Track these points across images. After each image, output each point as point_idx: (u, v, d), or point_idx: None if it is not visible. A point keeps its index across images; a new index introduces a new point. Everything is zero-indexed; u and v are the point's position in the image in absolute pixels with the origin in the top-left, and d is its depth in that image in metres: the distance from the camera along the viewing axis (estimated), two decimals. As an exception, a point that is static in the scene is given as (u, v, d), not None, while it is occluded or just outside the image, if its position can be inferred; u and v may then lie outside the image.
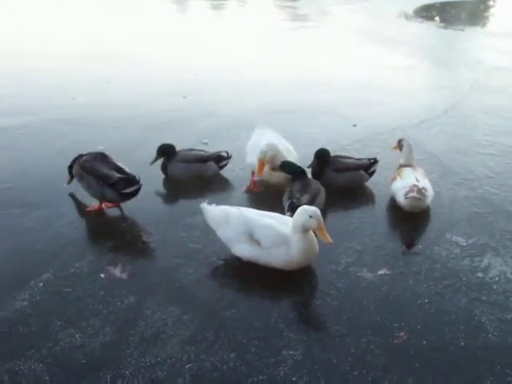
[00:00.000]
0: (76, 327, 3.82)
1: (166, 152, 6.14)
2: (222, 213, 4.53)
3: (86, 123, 6.13)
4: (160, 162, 6.18)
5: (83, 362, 3.54)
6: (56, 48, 13.18)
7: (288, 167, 5.49)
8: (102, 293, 4.20)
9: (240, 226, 4.36)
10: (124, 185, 5.11)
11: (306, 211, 4.17)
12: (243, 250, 4.39)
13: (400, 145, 5.92)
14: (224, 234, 4.50)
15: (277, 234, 4.27)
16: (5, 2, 20.24)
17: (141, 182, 5.16)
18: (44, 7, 19.99)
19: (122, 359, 3.55)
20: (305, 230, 4.19)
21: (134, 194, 5.20)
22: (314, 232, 4.28)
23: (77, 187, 5.53)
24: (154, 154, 6.18)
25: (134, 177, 5.14)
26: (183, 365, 3.52)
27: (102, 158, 5.33)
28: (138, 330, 3.81)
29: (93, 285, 4.29)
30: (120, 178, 5.10)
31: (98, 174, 5.16)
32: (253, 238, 4.30)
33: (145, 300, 4.11)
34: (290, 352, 3.63)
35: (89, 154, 5.43)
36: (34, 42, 13.90)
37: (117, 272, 4.46)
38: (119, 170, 5.21)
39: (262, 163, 5.56)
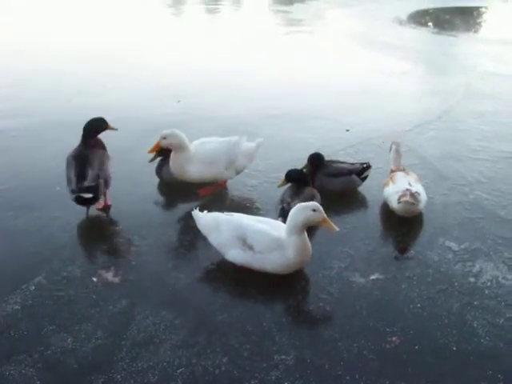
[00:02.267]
0: (68, 331, 3.81)
1: (163, 151, 5.92)
2: (212, 219, 4.53)
3: (80, 126, 6.11)
4: (155, 164, 6.14)
5: (75, 366, 3.53)
6: (51, 50, 13.14)
7: (291, 176, 5.40)
8: (94, 297, 4.19)
9: (232, 231, 4.36)
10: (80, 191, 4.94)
11: (307, 207, 4.19)
12: (236, 255, 4.38)
13: (390, 147, 5.91)
14: (216, 239, 4.49)
15: (270, 238, 4.27)
16: (2, 2, 20.22)
17: (93, 194, 4.97)
18: (40, 9, 19.94)
19: (114, 363, 3.54)
20: (307, 226, 4.21)
21: (86, 201, 5.03)
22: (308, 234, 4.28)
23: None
24: (149, 156, 6.17)
25: (89, 187, 4.93)
26: (175, 369, 3.51)
27: (82, 158, 5.14)
28: (130, 334, 3.80)
29: (85, 289, 4.28)
30: (80, 188, 4.92)
31: (68, 175, 5.08)
32: (246, 243, 4.29)
33: (137, 304, 4.11)
34: (283, 356, 3.63)
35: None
36: (29, 43, 13.83)
37: (109, 276, 4.45)
38: (83, 176, 4.98)
39: (157, 145, 5.63)
